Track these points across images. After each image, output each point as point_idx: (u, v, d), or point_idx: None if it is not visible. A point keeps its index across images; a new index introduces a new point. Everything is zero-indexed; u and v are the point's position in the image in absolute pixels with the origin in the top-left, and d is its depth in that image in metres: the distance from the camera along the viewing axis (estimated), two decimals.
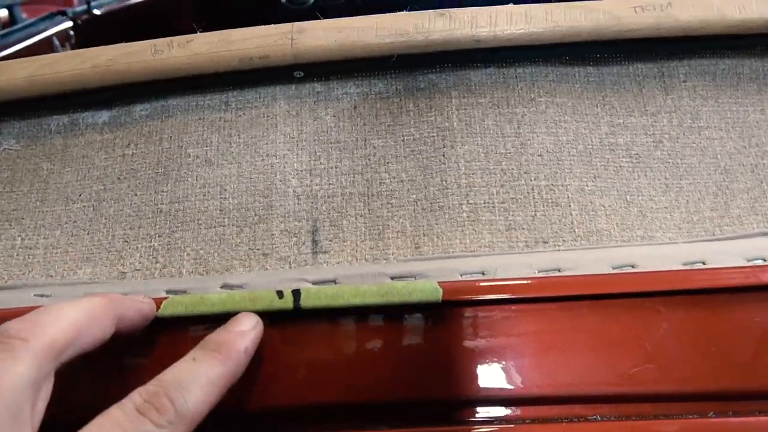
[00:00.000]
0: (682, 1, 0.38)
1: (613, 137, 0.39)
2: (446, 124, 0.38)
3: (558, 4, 0.38)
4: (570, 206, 0.37)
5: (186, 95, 0.39)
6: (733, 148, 0.39)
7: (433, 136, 0.38)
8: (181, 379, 0.24)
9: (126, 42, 0.38)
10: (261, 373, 0.28)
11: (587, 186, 0.37)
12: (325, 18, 0.38)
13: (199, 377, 0.24)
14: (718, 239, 0.36)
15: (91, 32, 1.17)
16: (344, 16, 0.38)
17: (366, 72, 0.39)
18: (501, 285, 0.31)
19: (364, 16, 0.37)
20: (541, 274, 0.32)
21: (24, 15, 1.39)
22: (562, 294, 0.30)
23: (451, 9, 0.37)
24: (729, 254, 0.33)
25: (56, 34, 1.10)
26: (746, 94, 0.41)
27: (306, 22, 0.38)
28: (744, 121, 0.40)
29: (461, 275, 0.32)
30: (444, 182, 0.37)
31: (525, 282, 0.31)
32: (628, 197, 0.37)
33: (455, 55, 0.38)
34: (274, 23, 0.38)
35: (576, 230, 0.36)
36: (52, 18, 1.15)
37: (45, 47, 1.07)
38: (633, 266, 0.32)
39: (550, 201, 0.37)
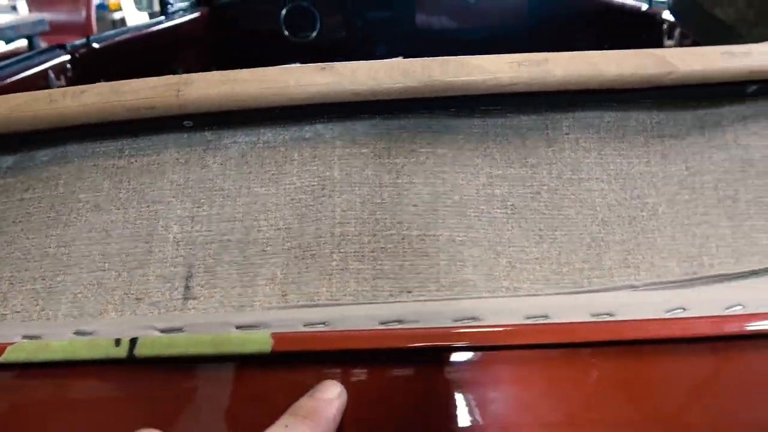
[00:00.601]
0: (560, 57, 0.39)
1: (491, 188, 0.40)
2: (327, 173, 0.40)
3: (436, 59, 0.39)
4: (438, 256, 0.37)
5: (84, 142, 0.41)
6: (613, 199, 0.40)
7: (314, 185, 0.39)
8: None
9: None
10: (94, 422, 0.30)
11: (458, 237, 0.38)
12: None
13: None
14: (575, 292, 0.37)
15: (89, 66, 1.21)
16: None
17: (254, 122, 0.41)
18: (337, 336, 0.32)
19: (253, 69, 0.39)
20: (381, 326, 0.33)
21: (44, 45, 1.45)
22: (398, 346, 0.31)
23: (334, 63, 0.39)
24: (577, 308, 0.34)
25: (52, 67, 1.14)
26: (632, 146, 0.41)
27: (195, 74, 0.40)
28: (627, 173, 0.41)
29: (304, 325, 0.33)
30: (318, 231, 0.38)
31: (365, 332, 0.32)
32: (498, 248, 0.38)
33: (341, 107, 0.40)
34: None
35: (441, 281, 0.37)
36: (51, 51, 1.19)
37: (41, 81, 1.11)
38: (474, 318, 0.33)
39: (419, 251, 0.38)
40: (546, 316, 0.34)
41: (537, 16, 1.66)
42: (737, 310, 0.34)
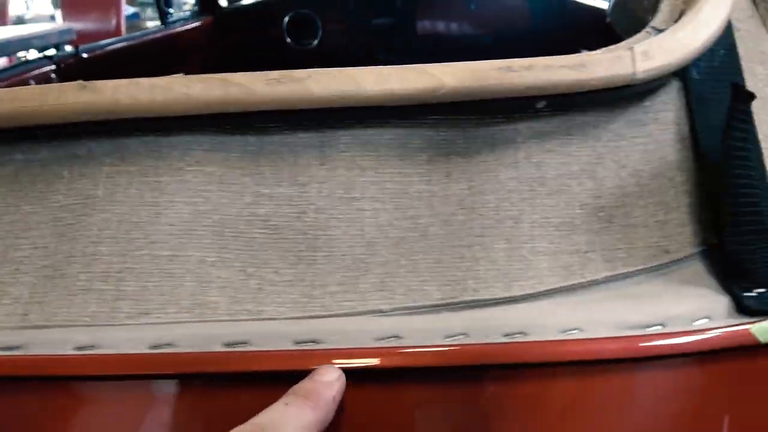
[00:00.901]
0: (322, 74, 0.38)
1: (255, 207, 0.38)
2: (92, 191, 0.39)
3: (197, 77, 0.38)
4: (185, 278, 0.37)
5: None
6: (385, 220, 0.38)
7: (78, 203, 0.39)
8: (276, 421, 0.25)
9: None
10: None
11: (209, 257, 0.37)
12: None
13: (293, 421, 0.25)
14: (320, 316, 0.35)
15: (73, 76, 1.24)
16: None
17: (28, 140, 0.41)
18: (29, 360, 0.31)
19: (12, 89, 0.39)
20: (78, 352, 0.32)
21: None
22: (96, 373, 0.31)
23: (95, 81, 0.39)
24: (282, 336, 0.32)
25: (35, 77, 1.17)
26: (414, 164, 0.40)
27: None
28: (405, 192, 0.39)
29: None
30: (72, 250, 0.38)
31: (64, 357, 0.31)
32: (250, 270, 0.37)
33: (113, 124, 0.39)
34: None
35: (182, 302, 0.36)
36: (37, 62, 1.22)
37: None
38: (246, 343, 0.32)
39: (165, 272, 0.37)
40: (245, 343, 0.33)
41: (539, 22, 1.64)
42: (459, 339, 0.32)
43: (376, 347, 0.32)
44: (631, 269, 0.37)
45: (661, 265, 0.37)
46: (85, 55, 1.26)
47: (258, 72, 0.38)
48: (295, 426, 0.25)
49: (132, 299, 0.36)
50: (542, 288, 0.36)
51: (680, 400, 0.33)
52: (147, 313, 0.35)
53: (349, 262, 0.37)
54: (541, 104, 0.39)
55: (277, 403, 0.26)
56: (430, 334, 0.32)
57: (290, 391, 0.27)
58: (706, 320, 0.34)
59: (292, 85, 0.37)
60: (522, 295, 0.36)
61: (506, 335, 0.32)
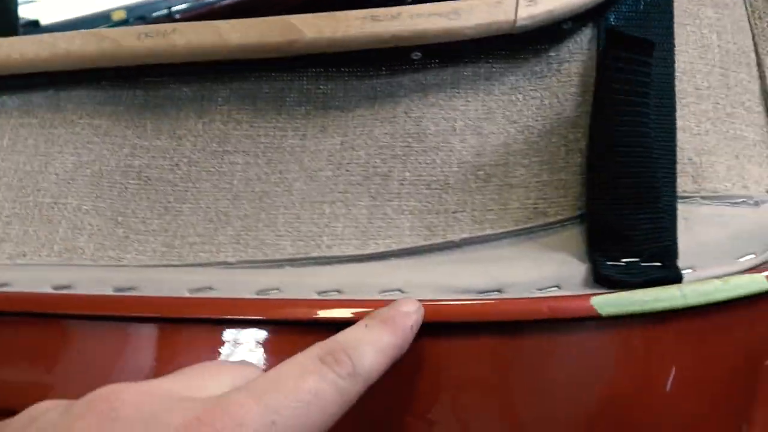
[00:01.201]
0: (188, 27, 0.38)
1: (131, 159, 0.40)
2: (1, 142, 0.42)
3: (80, 33, 0.40)
4: (60, 224, 0.38)
5: None
6: (254, 174, 0.38)
7: None
8: (356, 340, 0.25)
9: None
10: None
11: (85, 206, 0.39)
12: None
13: (372, 341, 0.25)
14: (172, 265, 0.36)
15: None
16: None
17: None
18: None
19: None
20: None
21: None
22: None
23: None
24: (171, 282, 0.33)
25: None
26: (290, 118, 0.39)
27: None
28: (278, 146, 0.39)
29: None
30: None
31: None
32: (120, 219, 0.38)
33: (20, 79, 0.42)
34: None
35: (55, 247, 0.38)
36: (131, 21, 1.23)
37: None
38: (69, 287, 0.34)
39: (45, 218, 0.39)
40: (133, 288, 0.34)
41: None
42: (271, 294, 0.32)
43: (185, 297, 0.32)
44: (499, 231, 0.35)
45: (537, 227, 0.34)
46: (177, 16, 1.26)
47: (136, 26, 0.38)
48: (375, 347, 0.25)
49: (14, 242, 0.38)
50: (397, 247, 0.35)
51: (511, 369, 0.30)
52: (24, 255, 0.38)
53: (213, 214, 0.37)
54: (416, 55, 0.37)
55: (357, 324, 0.26)
56: (242, 287, 0.32)
57: (369, 315, 0.27)
58: (555, 289, 0.31)
59: (158, 39, 0.38)
60: (374, 254, 0.35)
61: (320, 292, 0.31)
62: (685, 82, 0.37)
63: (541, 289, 0.31)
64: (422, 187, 0.36)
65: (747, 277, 0.31)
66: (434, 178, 0.36)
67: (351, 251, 0.35)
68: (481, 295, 0.31)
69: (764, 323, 0.32)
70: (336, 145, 0.38)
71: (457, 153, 0.37)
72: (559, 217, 0.34)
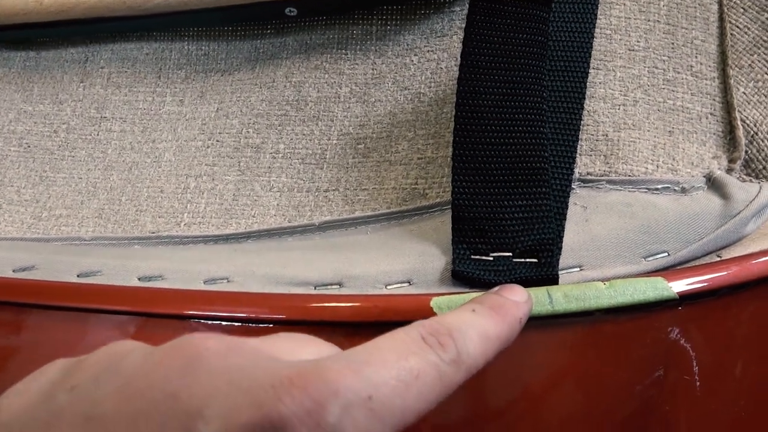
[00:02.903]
0: None
1: (15, 125, 0.38)
2: None
3: None
4: None
5: None
6: (128, 142, 0.36)
7: None
8: (462, 324, 0.22)
9: None
10: None
11: None
12: None
13: (479, 328, 0.22)
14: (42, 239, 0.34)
15: None
16: None
17: None
18: None
19: None
20: None
21: None
22: None
23: None
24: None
25: None
26: (170, 82, 0.36)
27: None
28: (156, 113, 0.36)
29: None
30: None
31: None
32: None
33: None
34: None
35: None
36: None
37: None
38: None
39: None
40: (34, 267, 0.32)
41: None
42: (92, 278, 0.29)
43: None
44: (369, 213, 0.30)
45: (412, 210, 0.30)
46: None
47: None
48: (481, 334, 0.22)
49: None
50: (258, 227, 0.31)
51: None
52: None
53: (83, 185, 0.35)
54: (290, 11, 0.32)
55: (464, 307, 0.24)
56: (63, 267, 0.30)
57: (476, 299, 0.24)
58: (405, 285, 0.27)
59: None
60: (232, 234, 0.31)
61: (141, 278, 0.28)
62: (616, 42, 0.31)
63: (389, 285, 0.27)
64: (296, 161, 0.32)
65: (642, 281, 0.26)
66: (310, 152, 0.32)
67: (210, 231, 0.32)
68: (318, 289, 0.27)
69: (662, 334, 0.26)
70: (211, 112, 0.34)
71: (339, 123, 0.32)
72: (439, 200, 0.30)
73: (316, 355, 0.20)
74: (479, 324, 0.23)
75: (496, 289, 0.25)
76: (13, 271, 0.29)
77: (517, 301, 0.24)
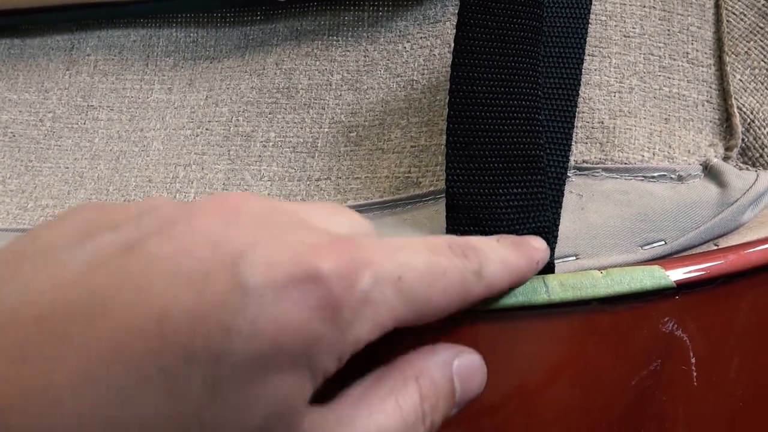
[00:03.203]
0: None
1: (0, 113, 0.37)
2: None
3: None
4: None
5: None
6: (116, 131, 0.35)
7: None
8: (485, 246, 0.22)
9: None
10: None
11: None
12: None
13: (500, 254, 0.23)
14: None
15: None
16: None
17: None
18: None
19: None
20: None
21: None
22: None
23: None
24: None
25: None
26: (158, 69, 0.35)
27: None
28: (144, 101, 0.35)
29: None
30: None
31: None
32: None
33: None
34: None
35: None
36: None
37: None
38: None
39: None
40: None
41: None
42: None
43: None
44: (362, 202, 0.30)
45: (405, 199, 0.29)
46: None
47: None
48: (501, 260, 0.23)
49: None
50: None
51: None
52: None
53: (69, 175, 0.34)
54: None
55: (488, 237, 0.24)
56: None
57: (500, 236, 0.25)
58: None
59: None
60: None
61: None
62: (612, 28, 0.30)
63: None
64: (287, 149, 0.32)
65: (639, 269, 0.25)
66: (301, 140, 0.32)
67: None
68: None
69: (659, 323, 0.26)
70: (200, 100, 0.34)
71: (330, 111, 0.32)
72: (432, 189, 0.29)
73: (348, 226, 0.21)
74: (501, 251, 0.23)
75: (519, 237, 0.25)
76: None
77: (537, 247, 0.25)
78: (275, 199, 0.20)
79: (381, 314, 0.18)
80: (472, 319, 0.25)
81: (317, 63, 0.32)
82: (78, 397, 0.14)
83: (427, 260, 0.20)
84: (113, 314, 0.15)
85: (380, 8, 0.32)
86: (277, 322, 0.15)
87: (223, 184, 0.31)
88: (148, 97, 0.34)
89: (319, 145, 0.31)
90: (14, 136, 0.36)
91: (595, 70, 0.29)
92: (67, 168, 0.34)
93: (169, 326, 0.15)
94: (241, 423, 0.15)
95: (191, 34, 0.34)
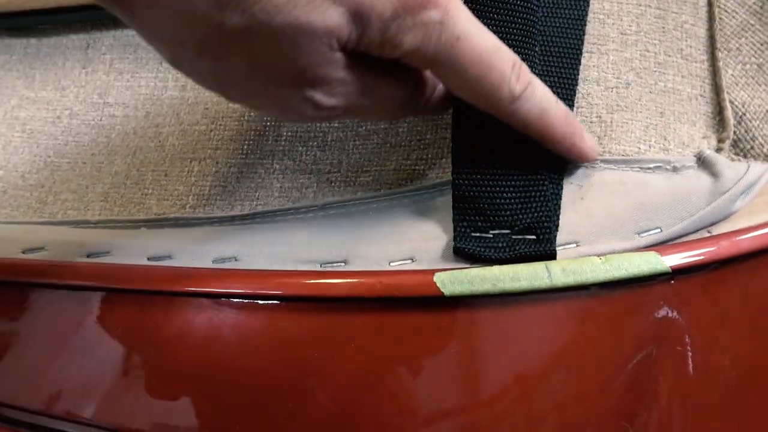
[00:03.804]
0: None
1: (18, 111, 0.38)
2: None
3: None
4: None
5: None
6: (132, 128, 0.36)
7: None
8: (538, 92, 0.25)
9: None
10: None
11: None
12: None
13: (545, 105, 0.26)
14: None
15: None
16: None
17: None
18: None
19: None
20: None
21: None
22: None
23: None
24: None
25: None
26: (171, 68, 0.36)
27: None
28: (159, 98, 0.36)
29: None
30: None
31: None
32: (1, 173, 0.37)
33: None
34: None
35: None
36: None
37: None
38: None
39: None
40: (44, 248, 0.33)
41: None
42: (101, 258, 0.30)
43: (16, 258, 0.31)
44: (370, 194, 0.31)
45: (413, 191, 0.31)
46: None
47: None
48: (542, 109, 0.26)
49: None
50: (263, 209, 0.32)
51: (356, 352, 0.27)
52: None
53: (87, 170, 0.36)
54: None
55: (553, 95, 0.27)
56: (72, 249, 0.30)
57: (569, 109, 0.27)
58: (408, 262, 0.28)
59: None
60: (237, 216, 0.32)
61: (151, 258, 0.29)
62: (609, 26, 0.32)
63: (392, 262, 0.28)
64: (298, 144, 0.33)
65: (637, 255, 0.27)
66: (311, 135, 0.33)
67: (215, 213, 0.32)
68: (324, 266, 0.28)
69: (655, 308, 0.27)
70: (214, 97, 0.35)
71: None
72: (438, 181, 0.30)
73: None
74: (548, 104, 0.25)
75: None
76: (23, 252, 0.30)
77: (586, 140, 0.27)
78: None
79: (427, 46, 0.22)
80: (472, 304, 0.26)
81: None
82: None
83: (486, 49, 0.23)
84: None
85: None
86: None
87: (237, 177, 0.33)
88: (162, 95, 0.35)
89: (329, 139, 0.33)
90: (32, 132, 0.37)
91: (594, 66, 0.31)
92: (85, 163, 0.35)
93: None
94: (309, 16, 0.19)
95: None
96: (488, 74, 0.23)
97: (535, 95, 0.25)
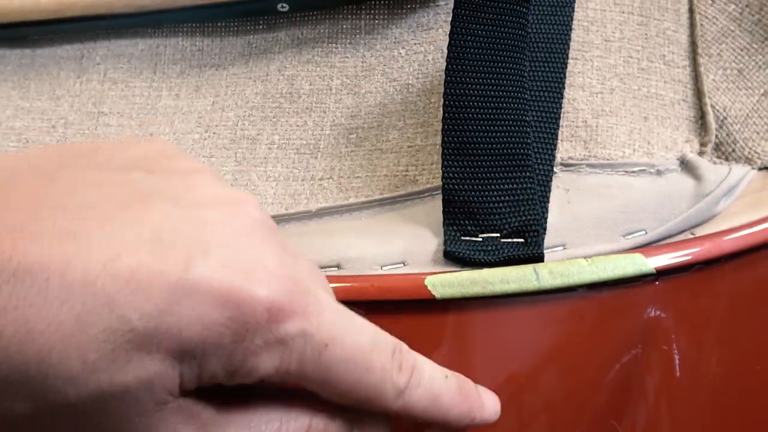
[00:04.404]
0: None
1: (13, 121, 0.39)
2: None
3: None
4: None
5: None
6: (126, 136, 0.37)
7: None
8: (426, 374, 0.22)
9: None
10: None
11: None
12: None
13: (435, 389, 0.22)
14: None
15: None
16: None
17: None
18: None
19: None
20: None
21: None
22: None
23: None
24: None
25: None
26: (166, 77, 0.37)
27: None
28: (153, 107, 0.37)
29: None
30: None
31: None
32: None
33: None
34: None
35: None
36: None
37: None
38: None
39: None
40: None
41: None
42: None
43: None
44: (362, 200, 0.32)
45: (403, 196, 0.31)
46: None
47: None
48: (433, 395, 0.22)
49: None
50: None
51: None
52: None
53: None
54: (282, 7, 0.34)
55: (441, 368, 0.23)
56: None
57: (460, 376, 0.24)
58: (399, 265, 0.28)
59: None
60: None
61: None
62: (593, 33, 0.33)
63: (384, 266, 0.28)
64: (291, 151, 0.34)
65: (622, 257, 0.27)
66: (304, 142, 0.33)
67: None
68: None
69: (641, 309, 0.28)
70: (207, 106, 0.35)
71: (331, 114, 0.34)
72: (429, 186, 0.31)
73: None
74: (438, 387, 0.22)
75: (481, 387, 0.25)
76: None
77: (486, 404, 0.24)
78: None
79: (289, 364, 0.18)
80: (463, 306, 0.27)
81: (318, 69, 0.34)
82: None
83: (361, 348, 0.20)
84: None
85: (376, 16, 0.34)
86: (192, 313, 0.16)
87: (231, 184, 0.33)
88: (156, 104, 0.36)
89: (321, 146, 0.33)
90: (28, 141, 0.38)
91: (579, 72, 0.31)
92: None
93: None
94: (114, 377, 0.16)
95: (197, 43, 0.36)
96: (367, 376, 0.20)
97: (422, 379, 0.22)
